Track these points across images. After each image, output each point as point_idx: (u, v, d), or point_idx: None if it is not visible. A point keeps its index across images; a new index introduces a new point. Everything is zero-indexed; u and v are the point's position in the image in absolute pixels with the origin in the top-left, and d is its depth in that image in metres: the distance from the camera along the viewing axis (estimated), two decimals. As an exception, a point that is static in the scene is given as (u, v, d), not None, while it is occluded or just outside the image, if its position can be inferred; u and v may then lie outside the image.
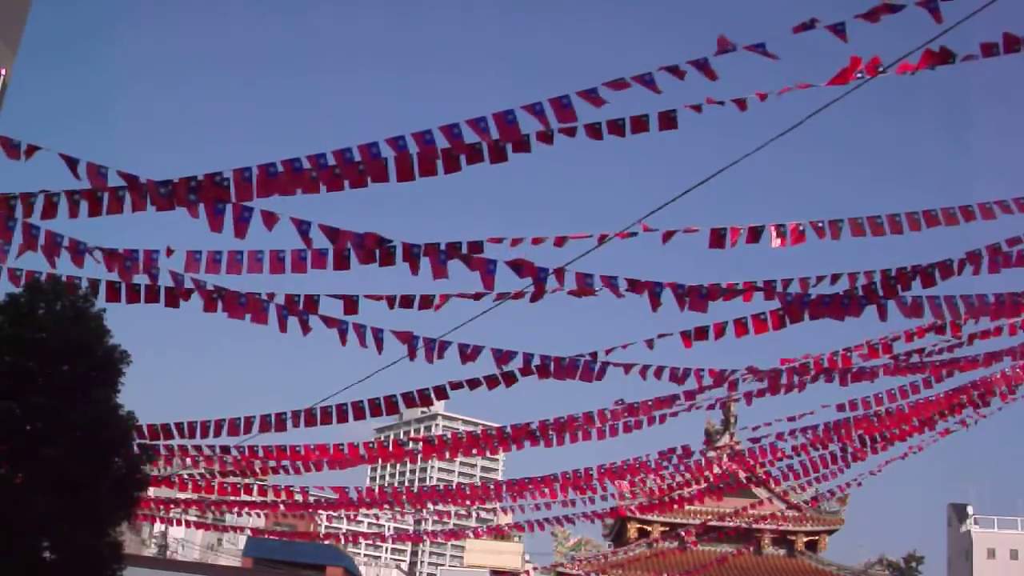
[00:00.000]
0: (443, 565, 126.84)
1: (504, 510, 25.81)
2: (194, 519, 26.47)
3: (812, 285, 10.43)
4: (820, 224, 9.53)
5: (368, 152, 7.96)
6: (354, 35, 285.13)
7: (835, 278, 10.39)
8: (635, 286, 9.75)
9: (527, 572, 63.49)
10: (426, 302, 10.08)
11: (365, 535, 60.31)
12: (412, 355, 10.79)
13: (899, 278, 10.27)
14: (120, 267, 9.43)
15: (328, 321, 10.16)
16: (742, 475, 44.07)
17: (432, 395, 13.74)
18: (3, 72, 16.12)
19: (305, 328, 10.09)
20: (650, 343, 12.21)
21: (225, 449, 17.18)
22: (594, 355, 12.36)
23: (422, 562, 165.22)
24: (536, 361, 11.77)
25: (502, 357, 11.53)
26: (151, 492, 19.01)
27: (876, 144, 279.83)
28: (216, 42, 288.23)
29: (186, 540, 62.29)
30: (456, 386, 13.30)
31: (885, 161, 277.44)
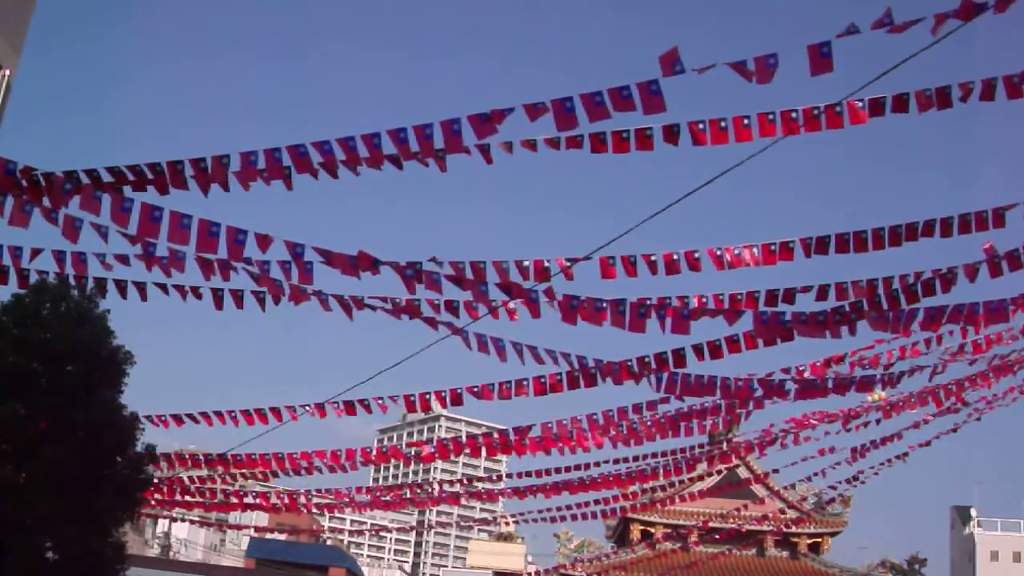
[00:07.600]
0: (446, 566, 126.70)
1: (507, 519, 25.76)
2: (196, 517, 26.50)
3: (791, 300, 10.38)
4: (809, 241, 9.62)
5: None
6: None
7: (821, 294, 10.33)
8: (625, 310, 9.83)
9: (530, 574, 63.44)
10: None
11: (372, 528, 60.38)
12: (484, 350, 10.72)
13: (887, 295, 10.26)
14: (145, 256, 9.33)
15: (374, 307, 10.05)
16: (744, 473, 44.19)
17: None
18: (7, 72, 16.12)
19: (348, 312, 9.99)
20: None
21: (222, 456, 17.12)
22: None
23: (424, 563, 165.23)
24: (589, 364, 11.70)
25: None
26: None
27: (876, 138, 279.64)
28: (213, 26, 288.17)
29: (189, 540, 62.32)
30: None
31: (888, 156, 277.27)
